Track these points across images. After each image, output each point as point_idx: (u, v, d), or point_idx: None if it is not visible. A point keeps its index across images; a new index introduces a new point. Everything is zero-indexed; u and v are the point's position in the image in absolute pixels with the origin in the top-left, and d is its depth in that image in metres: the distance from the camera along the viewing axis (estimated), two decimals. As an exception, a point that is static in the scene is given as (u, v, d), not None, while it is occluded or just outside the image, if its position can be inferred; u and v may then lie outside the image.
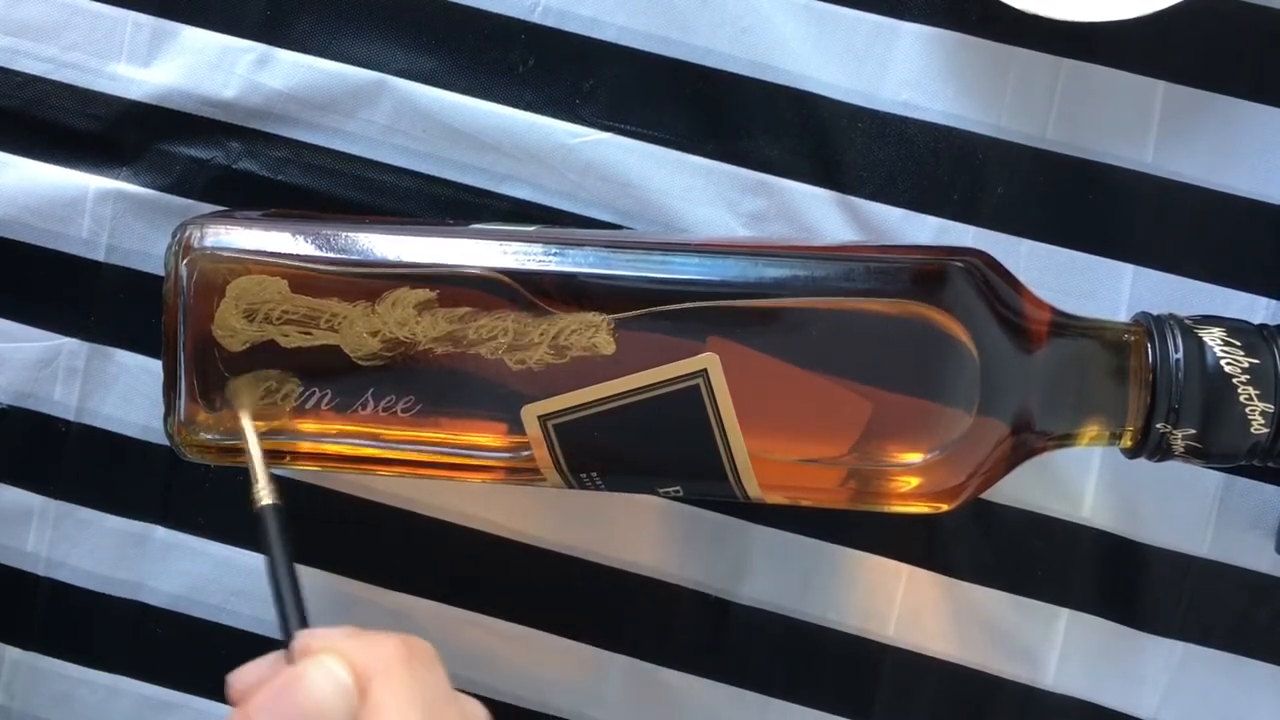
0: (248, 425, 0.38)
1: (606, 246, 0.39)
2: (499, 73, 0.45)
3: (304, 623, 0.34)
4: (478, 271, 0.38)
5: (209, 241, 0.38)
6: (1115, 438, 0.39)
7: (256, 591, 0.46)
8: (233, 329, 0.38)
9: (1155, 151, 0.44)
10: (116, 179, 0.46)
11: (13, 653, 0.47)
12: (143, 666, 0.47)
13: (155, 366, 0.44)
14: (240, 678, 0.34)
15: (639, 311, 0.37)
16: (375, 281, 0.38)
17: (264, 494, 0.37)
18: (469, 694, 0.34)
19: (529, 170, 0.45)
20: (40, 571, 0.47)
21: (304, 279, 0.38)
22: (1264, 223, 0.44)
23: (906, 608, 0.45)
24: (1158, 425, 0.38)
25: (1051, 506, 0.45)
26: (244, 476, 0.46)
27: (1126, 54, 0.44)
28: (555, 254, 0.38)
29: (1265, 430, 0.38)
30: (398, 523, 0.46)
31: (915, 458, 0.37)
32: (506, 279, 0.38)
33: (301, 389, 0.38)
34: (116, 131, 0.45)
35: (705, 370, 0.37)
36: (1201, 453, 0.38)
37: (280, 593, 0.35)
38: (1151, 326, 0.39)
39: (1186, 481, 0.44)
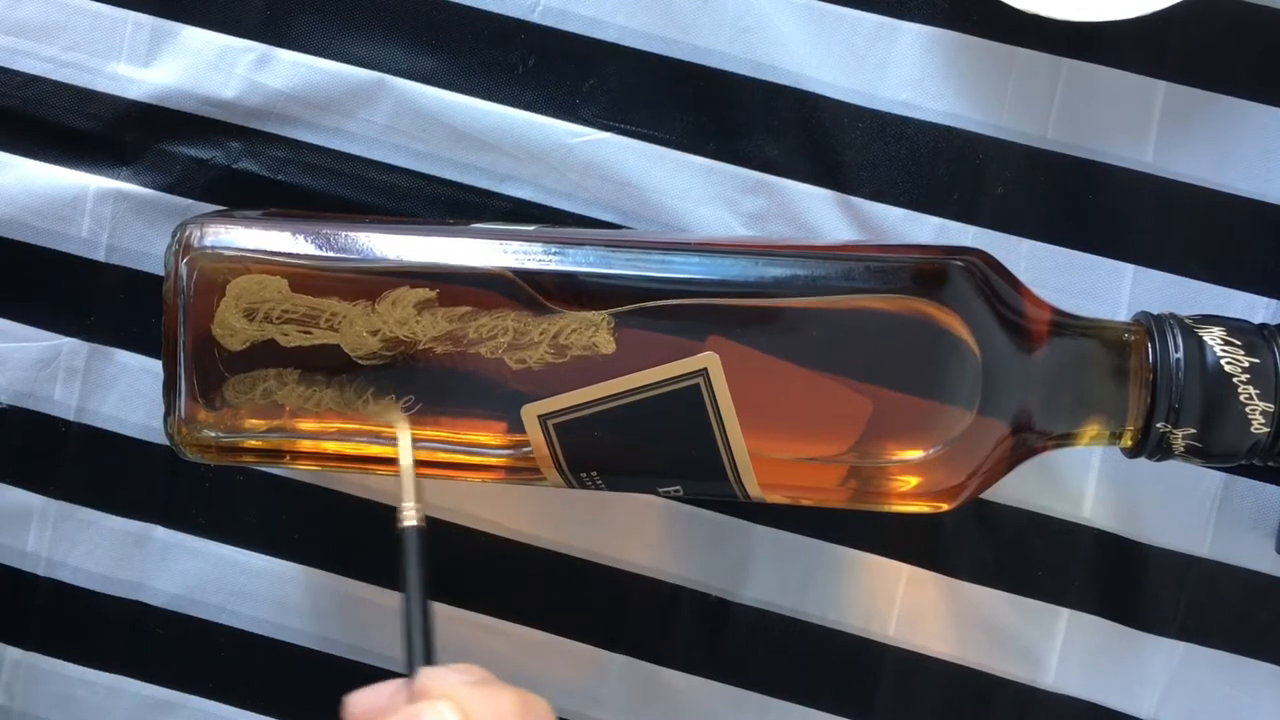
0: (405, 440, 0.37)
1: (607, 246, 0.39)
2: (499, 73, 0.45)
3: (430, 658, 0.35)
4: (478, 270, 0.38)
5: (209, 241, 0.39)
6: (1115, 437, 0.39)
7: (257, 591, 0.46)
8: (233, 328, 0.38)
9: (1155, 151, 0.44)
10: (116, 179, 0.46)
11: (13, 653, 0.47)
12: (143, 666, 0.47)
13: (155, 366, 0.44)
14: (357, 702, 0.35)
15: (639, 310, 0.37)
16: (375, 281, 0.38)
17: (410, 515, 0.36)
18: None
19: (529, 170, 0.45)
20: (40, 571, 0.47)
21: (304, 278, 0.38)
22: (1264, 223, 0.44)
23: (906, 608, 0.45)
24: (1158, 425, 0.38)
25: (1051, 506, 0.45)
26: (244, 476, 0.46)
27: (1126, 54, 0.44)
28: (555, 253, 0.38)
29: (1265, 430, 0.38)
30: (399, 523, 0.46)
31: (915, 456, 0.37)
32: (507, 278, 0.38)
33: (301, 389, 0.38)
34: (116, 131, 0.45)
35: (705, 370, 0.37)
36: (1201, 452, 0.38)
37: (411, 623, 0.35)
38: (1152, 326, 0.39)
39: (1186, 481, 0.44)
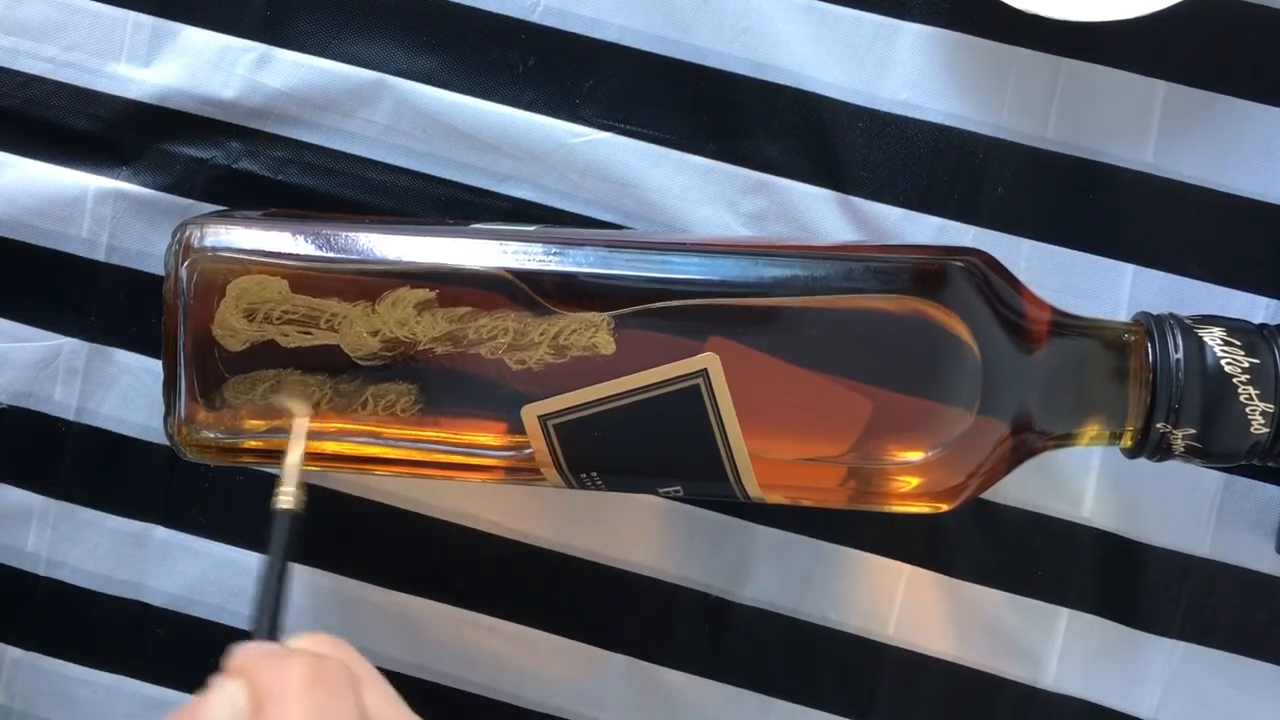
0: (300, 427, 0.37)
1: (607, 246, 0.39)
2: (499, 72, 0.45)
3: (270, 632, 0.34)
4: (478, 271, 0.38)
5: (209, 241, 0.39)
6: (1115, 437, 0.39)
7: (256, 591, 0.46)
8: (233, 329, 0.38)
9: (1155, 151, 0.44)
10: (116, 179, 0.46)
11: (13, 653, 0.47)
12: (143, 666, 0.47)
13: (155, 366, 0.44)
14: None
15: (639, 311, 0.37)
16: (375, 281, 0.38)
17: (287, 498, 0.36)
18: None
19: (529, 170, 0.45)
20: (40, 571, 0.47)
21: (304, 279, 0.38)
22: (1264, 223, 0.44)
23: (906, 608, 0.45)
24: (1158, 425, 0.38)
25: (1051, 506, 0.45)
26: (244, 476, 0.46)
27: (1126, 54, 0.44)
28: (555, 254, 0.38)
29: (1265, 430, 0.38)
30: (398, 523, 0.46)
31: (915, 457, 0.37)
32: (507, 278, 0.38)
33: (301, 389, 0.38)
34: (116, 131, 0.45)
35: (705, 370, 0.37)
36: (1201, 452, 0.38)
37: (260, 601, 0.35)
38: (1152, 326, 0.39)
39: (1186, 481, 0.44)
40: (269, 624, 0.34)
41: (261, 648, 0.33)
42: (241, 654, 0.32)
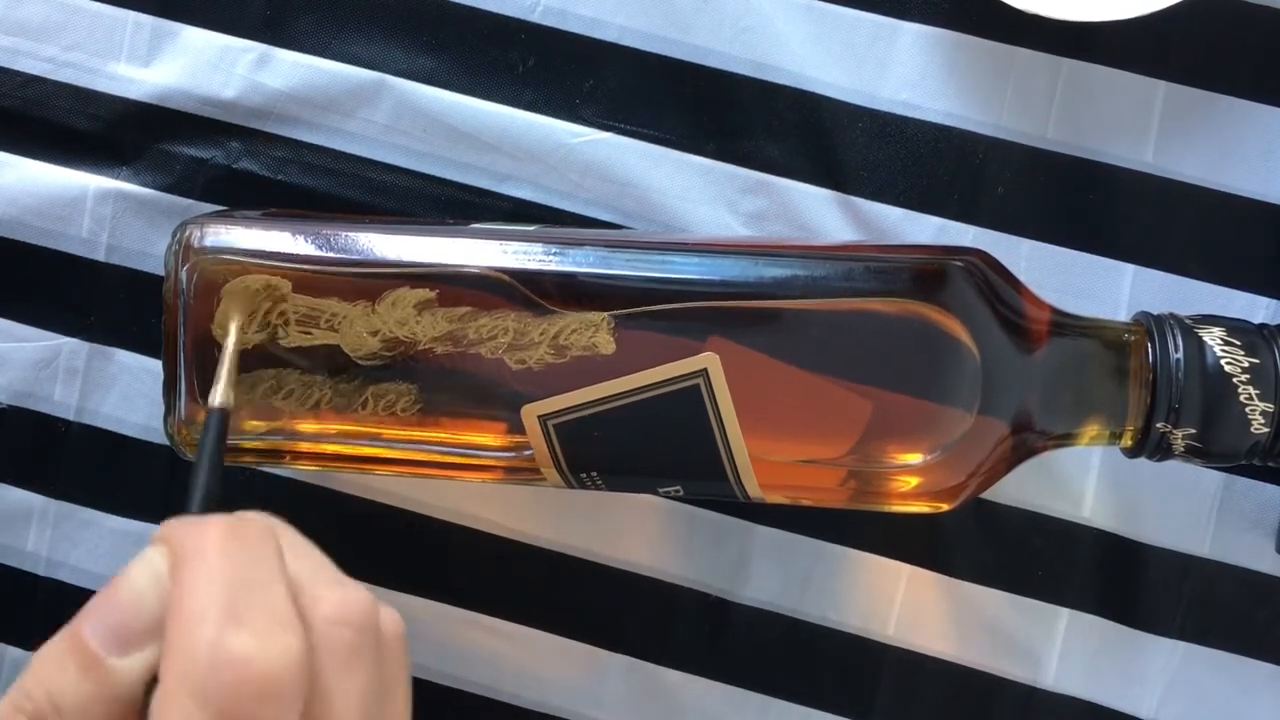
0: (234, 332, 0.38)
1: (606, 246, 0.39)
2: (499, 72, 0.45)
3: (202, 507, 0.34)
4: (478, 271, 0.38)
5: (209, 241, 0.38)
6: (1115, 437, 0.39)
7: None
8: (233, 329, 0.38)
9: (1155, 151, 0.44)
10: (116, 179, 0.46)
11: (13, 653, 0.47)
12: (143, 666, 0.47)
13: (155, 366, 0.44)
14: None
15: (639, 311, 0.37)
16: (375, 281, 0.38)
17: (218, 397, 0.36)
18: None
19: (529, 170, 0.45)
20: (40, 571, 0.47)
21: (304, 279, 0.38)
22: (1264, 223, 0.44)
23: (906, 608, 0.45)
24: (1158, 425, 0.38)
25: (1051, 506, 0.45)
26: (244, 476, 0.46)
27: (1126, 54, 0.44)
28: (555, 254, 0.38)
29: (1265, 430, 0.38)
30: (398, 523, 0.46)
31: (915, 458, 0.37)
32: (506, 278, 0.38)
33: (301, 389, 0.38)
34: (116, 131, 0.45)
35: (705, 370, 0.37)
36: (1201, 452, 0.38)
37: (190, 481, 0.34)
38: (1152, 326, 0.39)
39: (1186, 481, 0.44)
40: (198, 502, 0.34)
41: (184, 519, 0.32)
42: (164, 526, 0.32)
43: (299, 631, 0.29)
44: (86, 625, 0.29)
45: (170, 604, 0.29)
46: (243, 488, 0.46)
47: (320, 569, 0.32)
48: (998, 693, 0.45)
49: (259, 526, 0.31)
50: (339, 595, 0.31)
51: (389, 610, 0.32)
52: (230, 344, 0.37)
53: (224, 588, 0.29)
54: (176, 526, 0.31)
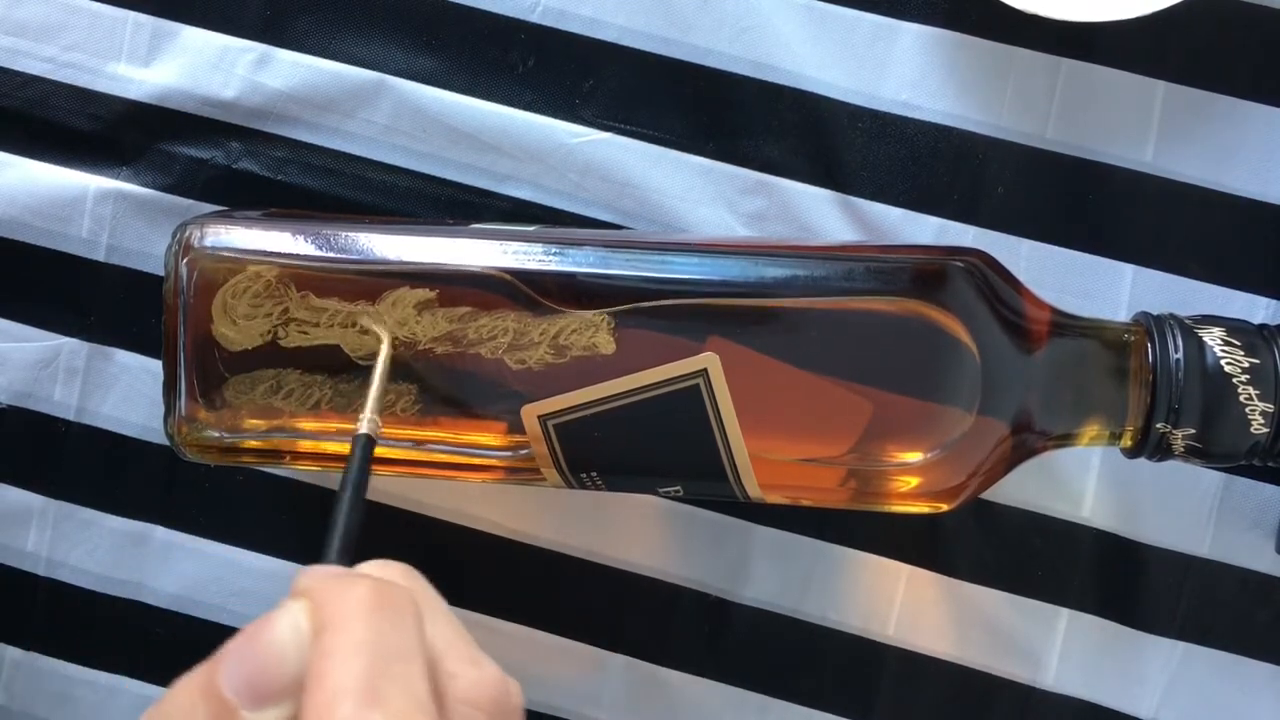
0: (384, 353, 0.37)
1: (606, 246, 0.39)
2: (499, 73, 0.45)
3: (341, 557, 0.33)
4: (478, 271, 0.38)
5: (209, 241, 0.39)
6: (1115, 437, 0.39)
7: (257, 591, 0.46)
8: (232, 328, 0.38)
9: (1155, 151, 0.44)
10: (116, 179, 0.46)
11: (13, 653, 0.47)
12: (143, 666, 0.47)
13: (155, 366, 0.44)
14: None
15: (639, 310, 0.37)
16: (375, 281, 0.38)
17: (365, 423, 0.36)
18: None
19: (529, 170, 0.45)
20: (40, 571, 0.47)
21: (304, 279, 0.38)
22: (1264, 223, 0.44)
23: (906, 608, 0.45)
24: (1158, 425, 0.38)
25: (1051, 506, 0.45)
26: (243, 476, 0.46)
27: (1126, 54, 0.44)
28: (555, 253, 0.38)
29: (1265, 430, 0.38)
30: (398, 523, 0.46)
31: (915, 458, 0.37)
32: (507, 278, 0.38)
33: (301, 389, 0.38)
34: (116, 131, 0.45)
35: (705, 370, 0.37)
36: (1201, 452, 0.38)
37: (331, 520, 0.34)
38: (1151, 326, 0.39)
39: (1186, 481, 0.44)
40: (339, 548, 0.33)
41: (328, 570, 0.32)
42: (307, 576, 0.31)
43: (434, 717, 0.29)
44: (223, 671, 0.29)
45: (310, 672, 0.29)
46: (243, 488, 0.46)
47: (457, 641, 0.31)
48: (998, 693, 0.45)
49: (405, 594, 0.31)
50: (475, 676, 0.31)
51: (514, 684, 0.32)
52: (381, 361, 0.37)
53: (366, 665, 0.28)
54: (321, 582, 0.30)
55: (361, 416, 0.35)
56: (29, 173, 0.46)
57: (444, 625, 0.32)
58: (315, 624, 0.29)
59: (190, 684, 0.29)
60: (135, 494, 0.46)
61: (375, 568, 0.32)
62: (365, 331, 0.38)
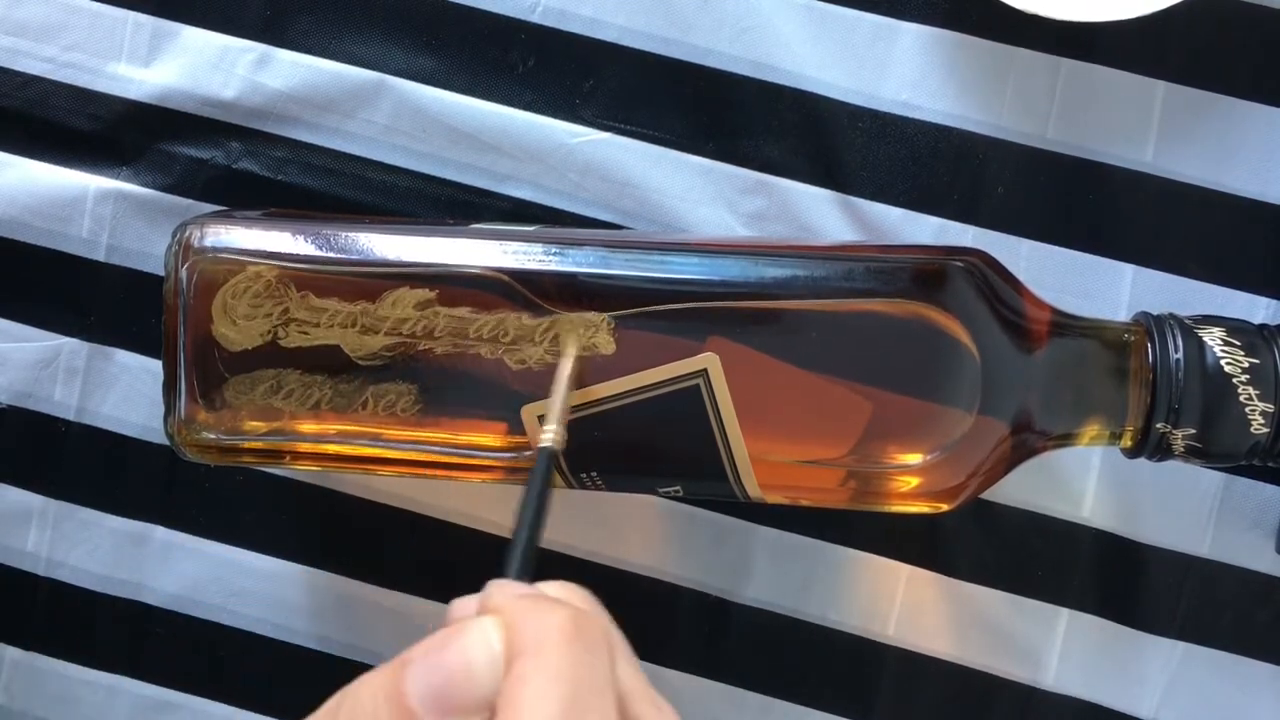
0: (567, 368, 0.37)
1: (606, 246, 0.39)
2: (499, 73, 0.45)
3: (524, 572, 0.33)
4: (478, 271, 0.38)
5: (209, 241, 0.38)
6: (1115, 437, 0.39)
7: (257, 591, 0.46)
8: (232, 328, 0.38)
9: (1155, 151, 0.44)
10: (116, 179, 0.46)
11: (13, 653, 0.47)
12: (143, 666, 0.47)
13: (155, 366, 0.44)
14: (456, 607, 0.32)
15: (639, 311, 0.37)
16: (375, 281, 0.38)
17: (549, 436, 0.35)
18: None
19: (529, 170, 0.45)
20: (40, 571, 0.47)
21: (304, 279, 0.38)
22: (1264, 223, 0.44)
23: (906, 608, 0.45)
24: (1158, 425, 0.38)
25: (1051, 506, 0.45)
26: (244, 476, 0.46)
27: (1126, 54, 0.44)
28: (555, 254, 0.38)
29: (1265, 430, 0.38)
30: (398, 523, 0.46)
31: (915, 458, 0.37)
32: (506, 278, 0.38)
33: (301, 389, 0.38)
34: (116, 131, 0.45)
35: (705, 370, 0.37)
36: (1201, 452, 0.38)
37: (516, 538, 0.33)
38: (1151, 326, 0.39)
39: (1186, 481, 0.44)
40: (521, 563, 0.32)
41: (520, 588, 0.31)
42: (499, 592, 0.30)
43: None
44: (410, 679, 0.28)
45: (504, 696, 0.28)
46: (243, 488, 0.46)
47: (641, 684, 0.31)
48: (998, 693, 0.45)
49: (600, 628, 0.30)
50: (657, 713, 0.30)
51: None
52: (566, 374, 0.37)
53: (563, 698, 0.27)
54: (515, 603, 0.30)
55: (546, 429, 0.35)
56: (29, 173, 0.46)
57: (629, 664, 0.31)
58: (509, 645, 0.28)
59: (374, 684, 0.28)
60: (135, 494, 0.46)
61: (559, 590, 0.31)
62: (555, 342, 0.37)
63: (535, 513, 0.33)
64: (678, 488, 0.39)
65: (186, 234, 0.39)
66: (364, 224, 0.40)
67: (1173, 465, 0.40)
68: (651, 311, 0.37)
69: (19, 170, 0.46)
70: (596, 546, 0.46)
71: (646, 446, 0.38)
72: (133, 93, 0.45)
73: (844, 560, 0.45)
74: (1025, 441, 0.38)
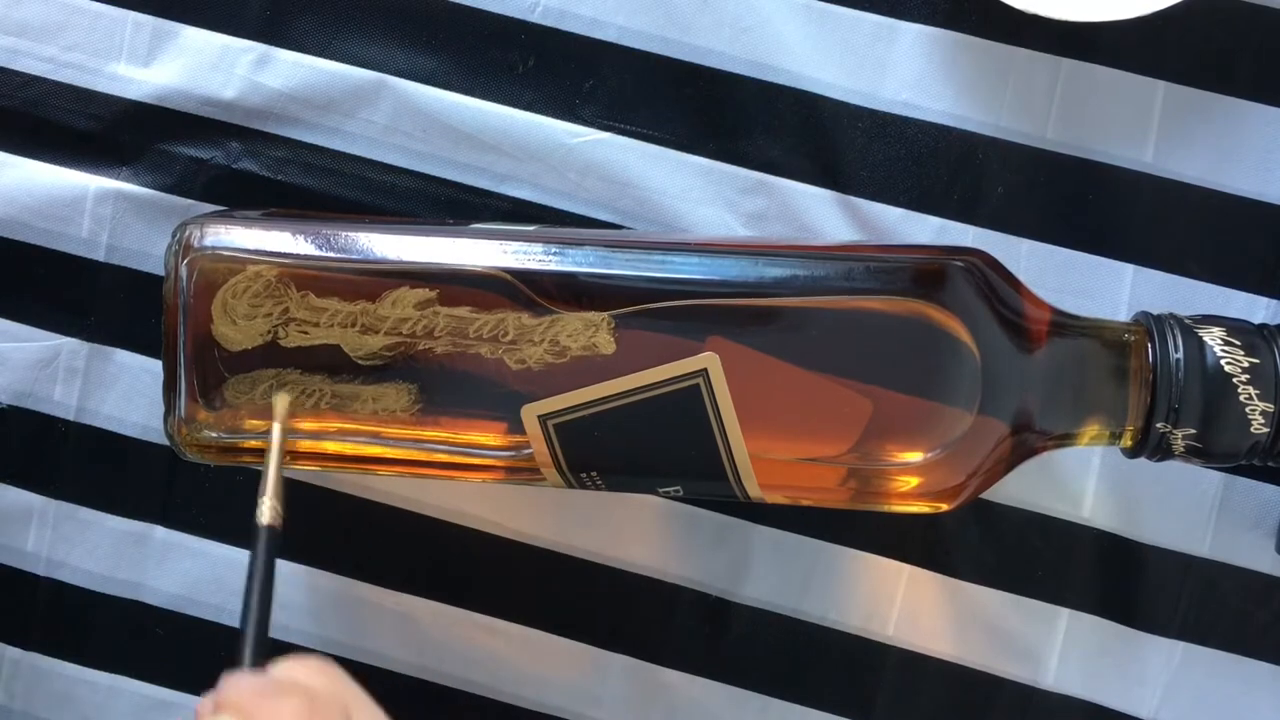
0: (277, 436, 0.37)
1: (606, 246, 0.39)
2: (499, 73, 0.45)
3: (257, 658, 0.33)
4: (478, 271, 0.38)
5: (209, 241, 0.39)
6: (1115, 437, 0.39)
7: (256, 591, 0.46)
8: (232, 328, 0.38)
9: (1155, 151, 0.44)
10: (116, 179, 0.46)
11: (13, 653, 0.47)
12: (143, 666, 0.47)
13: (155, 366, 0.44)
14: (199, 707, 0.33)
15: (639, 310, 0.37)
16: (375, 281, 0.38)
17: (266, 513, 0.35)
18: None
19: (529, 170, 0.45)
20: (40, 571, 0.47)
21: (304, 279, 0.38)
22: (1264, 223, 0.44)
23: (906, 608, 0.45)
24: (1158, 425, 0.38)
25: (1051, 506, 0.45)
26: (243, 476, 0.46)
27: (1126, 54, 0.44)
28: (555, 253, 0.38)
29: (1265, 430, 0.38)
30: (398, 523, 0.46)
31: (915, 457, 0.37)
32: (507, 278, 0.38)
33: (301, 389, 0.38)
34: (116, 131, 0.45)
35: (705, 370, 0.37)
36: (1201, 452, 0.38)
37: (245, 622, 0.34)
38: (1152, 326, 0.39)
39: (1186, 481, 0.44)
40: (256, 648, 0.33)
41: (253, 682, 0.32)
42: (233, 688, 0.32)
43: None
44: None
45: None
46: (243, 488, 0.46)
47: None
48: (998, 693, 0.45)
49: (334, 703, 0.31)
50: None
51: None
52: (276, 442, 0.36)
53: None
54: (248, 699, 0.31)
55: (260, 504, 0.35)
56: (29, 173, 0.46)
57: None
58: None
59: None
60: (135, 494, 0.46)
61: (298, 669, 0.32)
62: (265, 399, 0.37)
63: (261, 596, 0.34)
64: (678, 487, 0.39)
65: (186, 234, 0.39)
66: (364, 224, 0.40)
67: (1173, 465, 0.40)
68: (651, 311, 0.37)
69: (19, 170, 0.46)
70: (596, 546, 0.46)
71: (646, 446, 0.38)
72: (133, 93, 0.45)
73: (844, 560, 0.45)
74: (1025, 441, 0.38)
